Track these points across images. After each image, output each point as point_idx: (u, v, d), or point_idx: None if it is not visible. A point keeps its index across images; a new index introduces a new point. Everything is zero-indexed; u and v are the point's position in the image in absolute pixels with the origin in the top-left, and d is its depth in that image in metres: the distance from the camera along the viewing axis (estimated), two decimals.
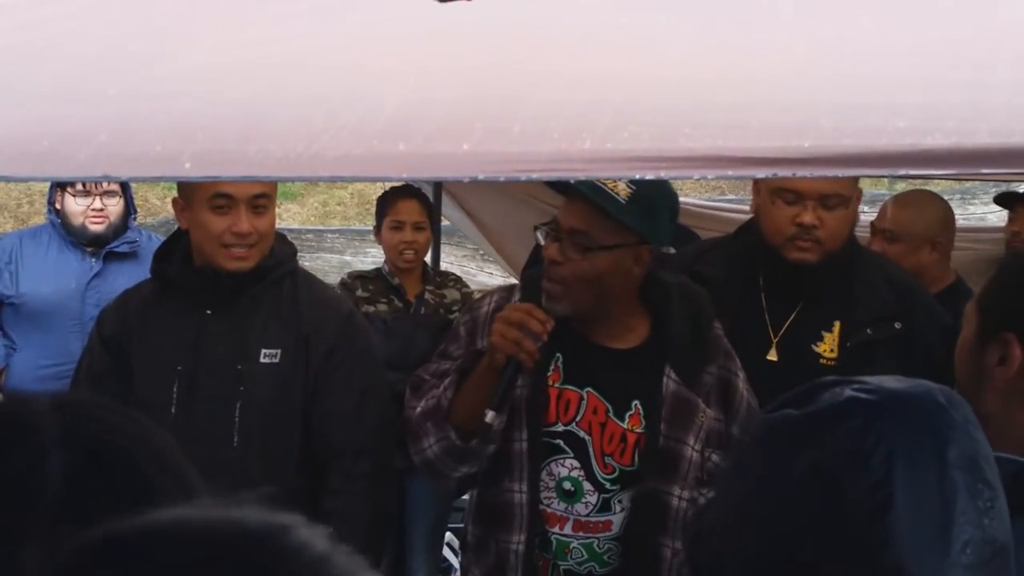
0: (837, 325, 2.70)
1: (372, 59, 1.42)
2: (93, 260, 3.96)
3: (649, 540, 2.30)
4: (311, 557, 0.59)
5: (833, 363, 2.66)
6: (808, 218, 2.63)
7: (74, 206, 3.93)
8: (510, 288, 2.48)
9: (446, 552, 4.61)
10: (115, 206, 3.97)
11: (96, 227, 3.94)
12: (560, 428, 2.32)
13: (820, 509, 0.99)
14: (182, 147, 1.23)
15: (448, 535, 4.56)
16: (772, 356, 2.70)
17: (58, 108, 1.40)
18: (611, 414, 2.32)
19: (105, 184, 3.91)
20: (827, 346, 2.70)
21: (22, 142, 1.33)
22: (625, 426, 2.32)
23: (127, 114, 1.34)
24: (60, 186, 3.96)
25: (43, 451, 0.80)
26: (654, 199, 2.25)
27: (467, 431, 2.27)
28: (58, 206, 3.98)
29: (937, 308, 2.82)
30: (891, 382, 1.05)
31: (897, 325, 2.68)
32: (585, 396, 2.32)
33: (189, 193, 2.58)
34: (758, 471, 1.07)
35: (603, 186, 2.18)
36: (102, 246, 3.95)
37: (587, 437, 2.31)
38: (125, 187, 4.02)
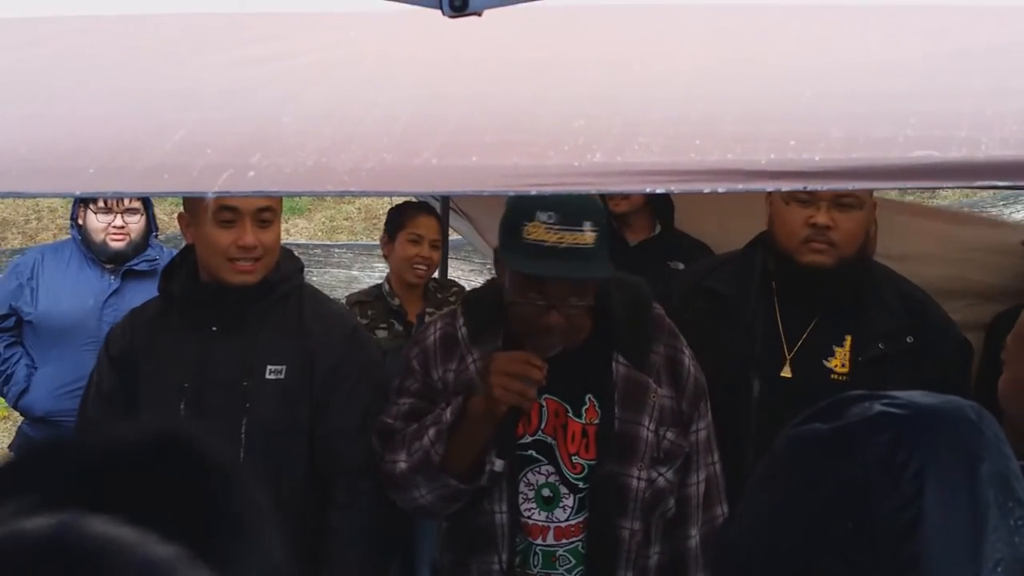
0: (848, 340, 2.66)
1: (382, 73, 1.42)
2: (112, 277, 3.96)
3: (609, 523, 2.32)
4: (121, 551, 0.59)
5: (844, 378, 2.63)
6: (822, 218, 2.60)
7: (95, 223, 3.93)
8: (452, 313, 2.50)
9: None
10: (136, 223, 3.97)
11: (117, 244, 3.94)
12: (528, 439, 2.35)
13: (849, 525, 0.97)
14: (191, 162, 1.23)
15: None
16: (787, 373, 2.67)
17: (66, 124, 1.40)
18: (570, 414, 2.36)
19: (127, 201, 3.91)
20: (838, 361, 2.67)
21: (30, 158, 1.33)
22: (583, 421, 2.35)
23: (136, 130, 1.34)
24: (83, 202, 3.96)
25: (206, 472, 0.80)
26: (606, 221, 2.29)
27: (467, 476, 2.30)
28: (80, 222, 3.98)
29: (949, 322, 2.79)
30: (921, 397, 1.03)
31: (909, 339, 2.65)
32: (544, 403, 2.35)
33: (195, 208, 2.58)
34: (786, 486, 1.05)
35: (577, 246, 2.20)
36: (122, 263, 3.95)
37: (552, 441, 2.35)
38: (147, 205, 4.02)
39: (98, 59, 1.51)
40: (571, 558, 2.35)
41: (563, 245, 2.19)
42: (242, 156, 1.25)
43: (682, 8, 1.49)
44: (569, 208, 2.19)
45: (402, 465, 2.35)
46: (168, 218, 10.02)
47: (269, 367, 2.60)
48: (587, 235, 2.20)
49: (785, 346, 2.69)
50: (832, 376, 2.65)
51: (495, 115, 1.33)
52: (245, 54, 1.45)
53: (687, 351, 2.44)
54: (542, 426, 2.35)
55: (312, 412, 2.60)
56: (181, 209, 2.69)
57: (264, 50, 1.44)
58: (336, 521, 2.59)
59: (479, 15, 1.26)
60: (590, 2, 1.56)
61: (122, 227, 3.94)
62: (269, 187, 1.21)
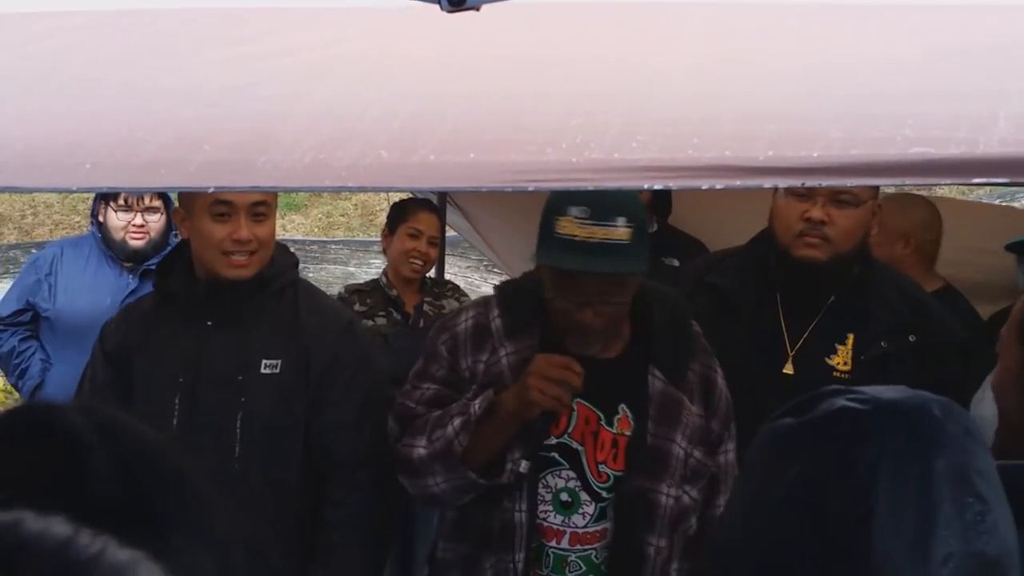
0: (851, 338, 2.67)
1: (379, 70, 1.42)
2: (130, 277, 3.92)
3: (636, 539, 2.30)
4: (49, 545, 0.59)
5: (847, 376, 2.62)
6: (816, 213, 2.60)
7: (116, 221, 3.90)
8: (485, 302, 2.46)
9: None
10: (157, 222, 3.93)
11: (136, 243, 3.90)
12: (553, 441, 2.31)
13: (807, 518, 0.99)
14: (188, 157, 1.23)
15: None
16: (788, 369, 2.68)
17: (64, 119, 1.40)
18: (602, 422, 2.32)
19: (147, 200, 3.88)
20: (841, 359, 2.67)
21: (26, 153, 1.33)
22: (615, 431, 2.32)
23: (133, 125, 1.34)
24: (104, 199, 3.93)
25: (86, 450, 0.81)
26: (643, 218, 2.25)
27: (486, 471, 2.28)
28: (101, 219, 3.94)
29: (951, 322, 2.79)
30: (888, 392, 1.04)
31: (911, 338, 2.65)
32: (575, 407, 2.31)
33: (189, 203, 2.58)
34: (756, 480, 1.07)
35: (609, 241, 2.16)
36: (141, 262, 3.91)
37: (580, 448, 2.31)
38: (168, 203, 3.96)
39: (96, 55, 1.51)
40: (582, 565, 2.31)
41: (593, 240, 2.16)
42: (240, 152, 1.25)
43: (681, 6, 1.49)
44: (602, 203, 2.17)
45: (421, 451, 2.32)
46: None
47: (264, 362, 2.60)
48: (620, 230, 2.16)
49: (787, 343, 2.69)
50: (835, 374, 2.65)
51: (493, 112, 1.33)
52: (243, 50, 1.44)
53: (719, 371, 2.40)
54: (569, 430, 2.32)
55: (308, 407, 2.60)
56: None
57: (262, 46, 1.44)
58: (332, 516, 2.59)
59: (477, 10, 1.26)
60: None
61: (142, 226, 3.90)
62: (266, 183, 1.20)
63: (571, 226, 2.18)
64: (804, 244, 2.64)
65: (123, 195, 3.86)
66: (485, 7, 1.28)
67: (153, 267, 3.86)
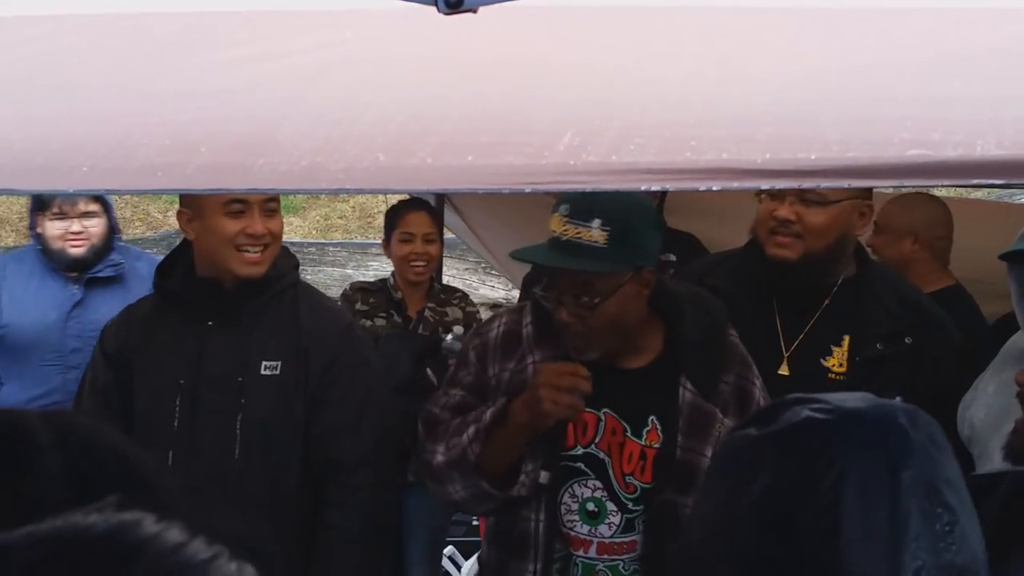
0: (846, 340, 2.67)
1: (377, 72, 1.42)
2: (75, 287, 3.69)
3: (666, 552, 2.25)
4: (163, 547, 0.62)
5: (842, 378, 2.63)
6: (784, 212, 2.64)
7: (52, 230, 3.66)
8: (519, 310, 2.44)
9: (447, 565, 4.59)
10: (96, 227, 3.69)
11: (76, 250, 3.66)
12: (579, 451, 2.30)
13: (774, 532, 0.97)
14: (186, 160, 1.23)
15: (449, 549, 4.54)
16: (784, 371, 2.68)
17: (62, 122, 1.40)
18: (629, 433, 2.30)
19: (83, 205, 3.67)
20: (836, 360, 2.67)
21: (25, 155, 1.33)
22: (643, 443, 2.29)
23: (131, 128, 1.34)
24: (40, 210, 3.71)
25: (39, 452, 0.83)
26: (632, 224, 2.20)
27: (500, 480, 2.27)
28: (39, 230, 3.71)
29: (948, 324, 2.79)
30: (853, 401, 1.02)
31: (908, 340, 2.65)
32: (603, 417, 2.29)
33: (199, 203, 2.60)
34: (721, 492, 1.04)
35: (579, 240, 2.15)
36: (85, 270, 3.69)
37: (606, 458, 2.29)
38: (107, 207, 3.76)
39: (94, 58, 1.51)
40: (609, 574, 2.30)
41: (565, 238, 2.16)
42: (237, 155, 1.25)
43: (679, 9, 1.49)
44: (582, 203, 2.16)
45: (439, 458, 2.31)
46: (163, 216, 10.00)
47: (264, 363, 2.61)
48: (594, 232, 2.14)
49: (783, 344, 2.70)
50: (830, 376, 2.65)
51: (491, 114, 1.33)
52: (240, 53, 1.44)
53: (758, 382, 2.37)
54: (596, 440, 2.30)
55: (307, 408, 2.61)
56: (178, 207, 2.69)
57: (259, 49, 1.44)
58: (331, 517, 2.59)
59: (474, 12, 1.26)
60: (585, 0, 1.56)
61: (80, 232, 3.66)
62: (264, 185, 1.20)
63: (556, 222, 2.19)
64: (775, 244, 2.68)
65: (57, 203, 3.65)
66: (482, 9, 1.28)
67: (98, 275, 3.68)
